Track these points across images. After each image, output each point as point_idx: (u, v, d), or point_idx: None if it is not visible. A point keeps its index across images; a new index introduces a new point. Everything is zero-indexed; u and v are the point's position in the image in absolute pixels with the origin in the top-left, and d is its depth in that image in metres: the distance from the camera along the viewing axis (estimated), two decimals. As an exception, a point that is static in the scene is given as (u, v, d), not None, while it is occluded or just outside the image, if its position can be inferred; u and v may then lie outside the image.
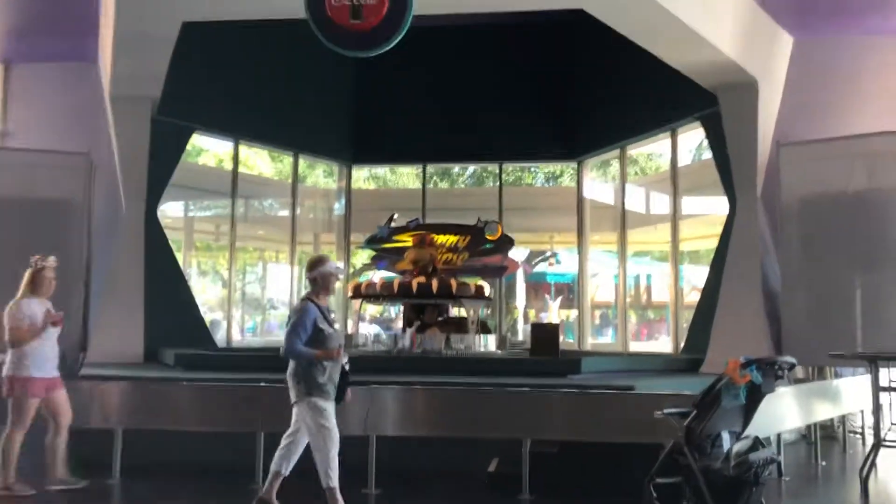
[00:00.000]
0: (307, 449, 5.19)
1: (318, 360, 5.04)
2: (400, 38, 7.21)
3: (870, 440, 7.47)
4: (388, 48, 7.28)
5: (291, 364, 5.15)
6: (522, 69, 13.36)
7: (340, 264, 5.51)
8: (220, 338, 11.83)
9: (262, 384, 6.68)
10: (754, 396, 4.83)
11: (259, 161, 15.14)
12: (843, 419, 8.61)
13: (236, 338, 12.52)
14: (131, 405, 6.76)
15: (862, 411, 8.68)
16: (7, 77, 11.47)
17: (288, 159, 13.64)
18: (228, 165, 12.51)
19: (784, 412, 6.88)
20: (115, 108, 9.83)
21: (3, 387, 5.66)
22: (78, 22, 9.91)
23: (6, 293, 9.07)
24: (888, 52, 9.80)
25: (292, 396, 5.15)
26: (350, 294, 11.03)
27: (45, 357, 5.70)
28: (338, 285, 14.12)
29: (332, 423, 5.07)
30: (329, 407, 5.08)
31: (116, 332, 9.73)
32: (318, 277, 5.22)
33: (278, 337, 12.40)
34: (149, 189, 10.33)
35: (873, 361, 6.61)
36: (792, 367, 5.03)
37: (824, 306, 8.82)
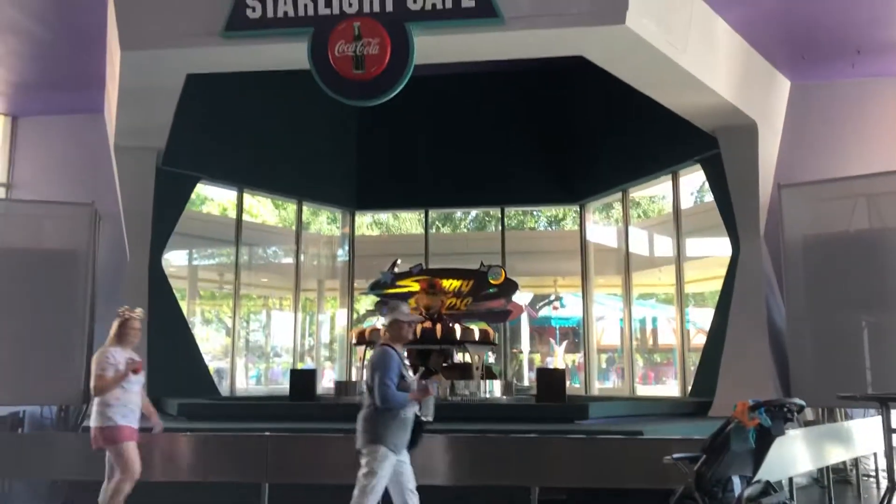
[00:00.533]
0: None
1: (409, 402, 4.95)
2: (402, 87, 7.33)
3: (884, 483, 7.33)
4: (390, 97, 7.40)
5: (365, 409, 5.02)
6: (523, 114, 13.49)
7: (408, 309, 5.40)
8: (223, 386, 11.76)
9: (267, 433, 6.62)
10: (764, 440, 4.77)
11: (263, 209, 15.23)
12: (856, 462, 8.47)
13: (240, 386, 12.44)
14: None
15: (875, 454, 8.55)
16: (14, 130, 11.66)
17: (292, 206, 13.72)
18: (232, 214, 12.58)
19: (795, 455, 6.78)
20: (120, 159, 9.93)
21: (91, 440, 5.58)
22: (84, 75, 10.09)
23: (15, 341, 9.16)
24: (884, 95, 9.94)
25: (359, 442, 4.99)
26: (354, 341, 10.98)
27: (129, 407, 5.63)
28: (341, 332, 14.12)
29: (384, 475, 4.90)
30: (390, 457, 4.92)
31: (120, 382, 9.66)
32: (392, 324, 5.18)
33: (282, 385, 12.38)
34: (153, 238, 10.37)
35: (884, 403, 6.53)
36: (801, 409, 4.98)
37: (831, 347, 8.76)
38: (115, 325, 5.79)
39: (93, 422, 5.59)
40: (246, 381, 13.38)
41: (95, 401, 5.58)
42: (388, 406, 4.91)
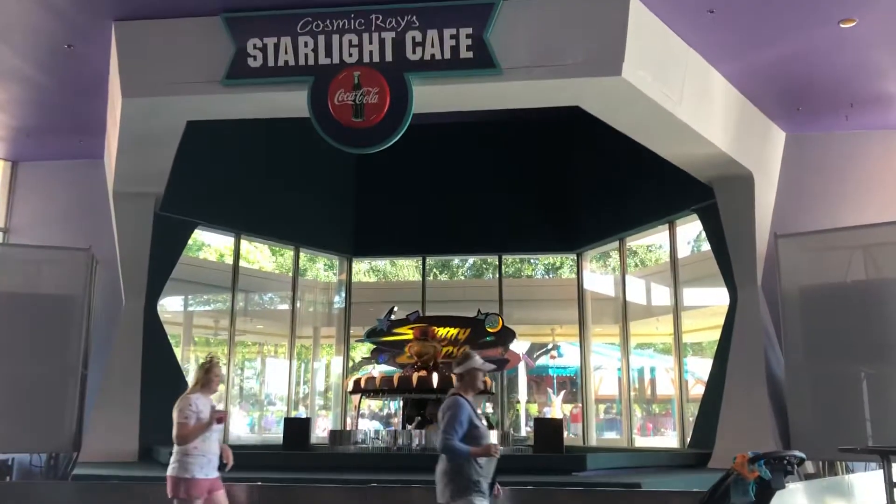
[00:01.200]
0: None
1: (474, 458, 4.74)
2: (400, 135, 7.41)
3: (887, 539, 7.20)
4: (388, 145, 7.47)
5: (443, 463, 4.86)
6: (521, 163, 13.59)
7: (482, 361, 5.30)
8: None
9: (259, 483, 6.51)
10: (764, 493, 4.69)
11: (260, 255, 15.24)
12: (857, 516, 8.34)
13: (233, 434, 12.28)
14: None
15: (877, 508, 8.42)
16: (14, 175, 11.73)
17: (289, 253, 13.72)
18: (229, 260, 12.58)
19: (797, 510, 6.67)
20: (118, 205, 9.96)
21: (168, 487, 5.37)
22: (84, 122, 10.18)
23: (6, 387, 9.06)
24: (877, 147, 10.04)
25: (444, 497, 4.82)
26: (349, 389, 10.88)
27: (208, 457, 5.43)
28: (336, 380, 14.00)
29: None
30: (484, 502, 4.77)
31: (111, 429, 9.55)
32: (465, 373, 5.03)
33: (276, 434, 12.21)
34: (149, 284, 10.33)
35: (885, 456, 6.44)
36: (801, 461, 4.90)
37: (831, 398, 8.69)
38: (199, 371, 5.62)
39: (170, 470, 5.38)
40: (239, 429, 13.21)
41: (174, 448, 5.40)
42: (445, 453, 4.78)
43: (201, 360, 5.71)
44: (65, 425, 9.36)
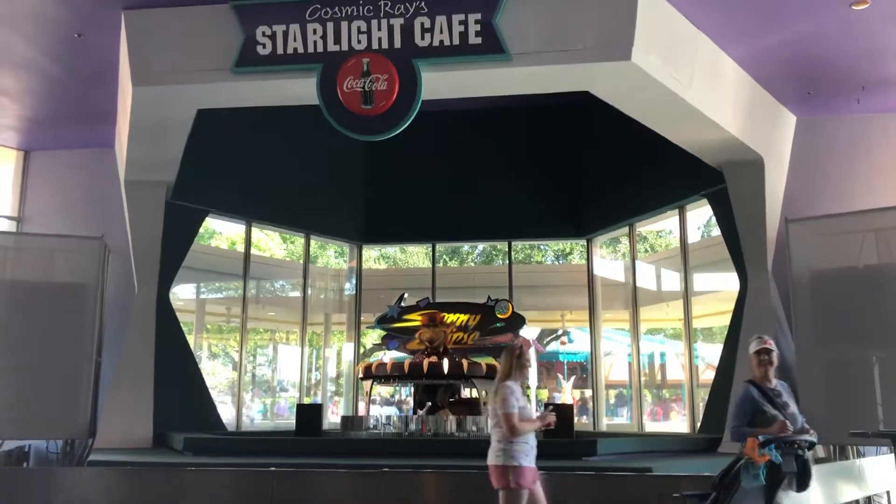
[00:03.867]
0: None
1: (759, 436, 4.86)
2: (409, 122, 7.41)
3: (898, 522, 7.21)
4: (398, 132, 7.48)
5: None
6: (530, 148, 13.55)
7: (754, 345, 5.48)
8: (229, 421, 11.69)
9: (272, 468, 6.57)
10: (775, 476, 4.71)
11: (271, 242, 15.28)
12: (868, 501, 8.33)
13: (246, 421, 12.37)
14: (139, 493, 6.64)
15: (888, 492, 8.41)
16: (27, 164, 11.80)
17: (299, 240, 13.76)
18: (240, 247, 12.62)
19: (807, 493, 6.67)
20: (129, 193, 10.02)
21: (493, 478, 5.16)
22: (96, 111, 10.23)
23: (22, 374, 9.17)
24: (889, 130, 9.96)
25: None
26: (360, 375, 10.95)
27: (531, 444, 5.21)
28: (347, 367, 14.08)
29: None
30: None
31: (126, 416, 9.65)
32: (751, 358, 5.38)
33: (288, 420, 12.30)
34: (161, 272, 10.40)
35: (896, 440, 6.45)
36: (812, 445, 4.92)
37: (842, 383, 8.68)
38: (508, 357, 5.39)
39: (495, 459, 5.16)
40: (251, 415, 13.30)
41: (496, 436, 5.19)
42: (732, 440, 5.01)
43: (509, 346, 5.60)
44: (80, 412, 9.46)
